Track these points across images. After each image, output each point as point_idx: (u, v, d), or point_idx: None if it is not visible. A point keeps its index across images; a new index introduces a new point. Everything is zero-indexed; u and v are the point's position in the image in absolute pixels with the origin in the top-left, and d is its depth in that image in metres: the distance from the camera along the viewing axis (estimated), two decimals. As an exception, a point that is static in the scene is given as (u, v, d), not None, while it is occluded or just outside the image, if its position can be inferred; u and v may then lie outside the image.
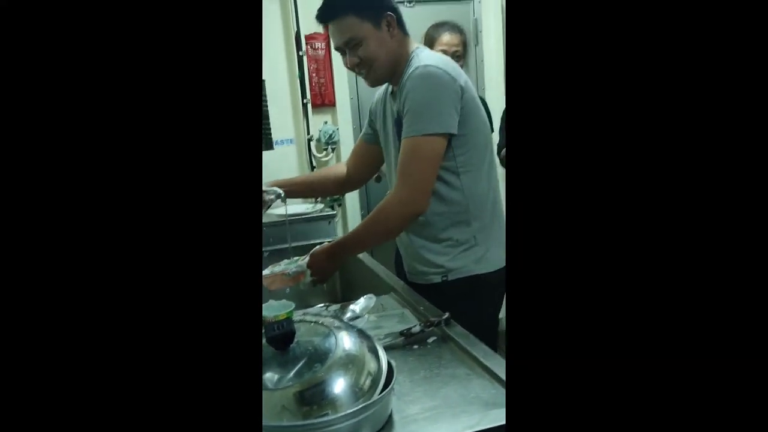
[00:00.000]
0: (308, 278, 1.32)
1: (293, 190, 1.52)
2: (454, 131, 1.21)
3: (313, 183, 1.66)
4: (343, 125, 2.64)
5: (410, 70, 1.22)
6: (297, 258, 1.37)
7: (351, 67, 1.30)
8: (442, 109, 1.19)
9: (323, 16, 1.25)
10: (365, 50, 1.24)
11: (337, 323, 0.89)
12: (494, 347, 1.40)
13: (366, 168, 1.57)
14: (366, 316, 1.04)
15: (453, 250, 1.31)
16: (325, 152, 2.63)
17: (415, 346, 1.05)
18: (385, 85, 1.43)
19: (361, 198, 2.74)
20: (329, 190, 1.70)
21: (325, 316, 0.95)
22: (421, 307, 1.23)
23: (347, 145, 2.66)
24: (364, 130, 1.55)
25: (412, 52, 1.29)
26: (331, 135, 2.59)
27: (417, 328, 1.08)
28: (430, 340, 1.07)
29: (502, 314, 1.28)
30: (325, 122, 2.62)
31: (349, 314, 1.02)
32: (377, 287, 1.52)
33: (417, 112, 1.19)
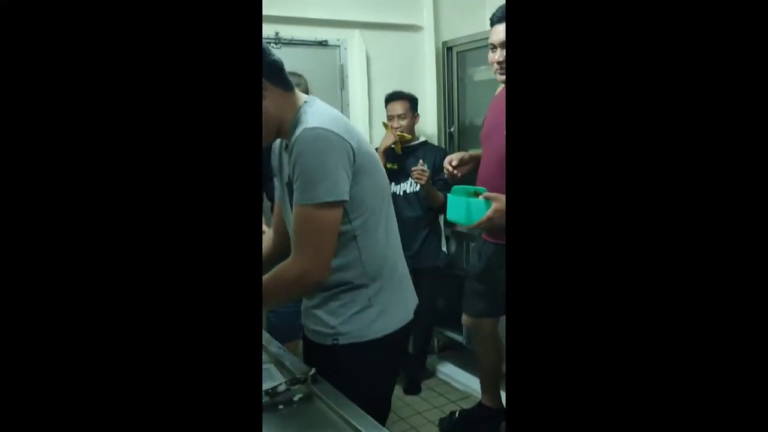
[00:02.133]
0: None
1: None
2: (347, 197, 1.16)
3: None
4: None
5: (298, 130, 1.14)
6: None
7: None
8: (335, 175, 1.12)
9: None
10: None
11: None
12: (385, 413, 1.35)
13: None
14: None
15: (346, 311, 1.24)
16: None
17: (281, 407, 1.01)
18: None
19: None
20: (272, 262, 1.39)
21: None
22: (286, 362, 1.19)
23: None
24: (275, 190, 1.43)
25: (300, 106, 1.22)
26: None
27: (282, 387, 1.04)
28: (296, 398, 1.04)
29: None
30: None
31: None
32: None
33: (307, 178, 1.12)
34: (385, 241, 1.28)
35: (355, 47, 2.87)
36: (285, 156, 1.26)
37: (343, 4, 2.81)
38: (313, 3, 2.72)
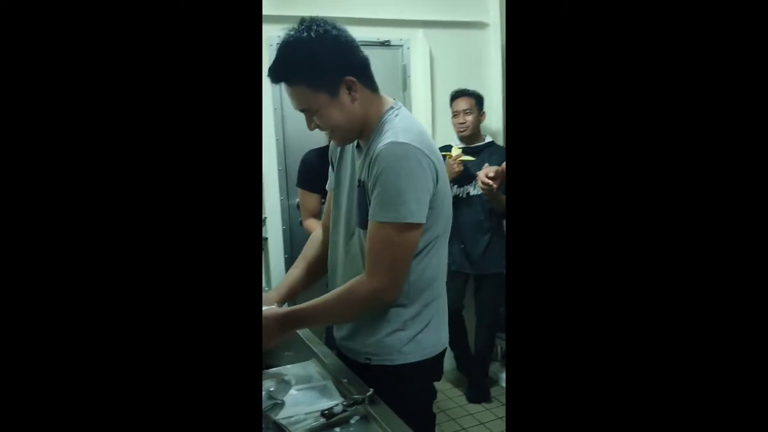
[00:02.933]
0: None
1: (296, 291, 1.36)
2: (424, 221, 1.11)
3: (312, 268, 1.40)
4: (268, 167, 2.55)
5: (383, 137, 1.09)
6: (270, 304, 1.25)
7: (312, 129, 1.18)
8: (419, 197, 1.08)
9: (272, 77, 1.11)
10: (321, 119, 1.13)
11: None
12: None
13: None
14: (286, 402, 0.95)
15: (378, 331, 1.19)
16: (248, 194, 2.53)
17: (337, 429, 0.98)
18: None
19: (285, 240, 2.64)
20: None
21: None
22: (345, 380, 1.16)
23: (272, 187, 2.57)
24: (329, 180, 1.37)
25: (386, 111, 1.16)
26: (254, 177, 2.49)
27: (339, 408, 1.01)
28: (353, 421, 1.00)
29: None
30: (249, 163, 2.53)
31: (268, 402, 0.94)
32: (298, 347, 1.43)
33: (390, 197, 1.07)
34: (437, 268, 1.23)
35: (418, 47, 2.81)
36: (357, 157, 1.21)
37: (406, 4, 2.76)
38: (376, 3, 2.69)
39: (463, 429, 2.50)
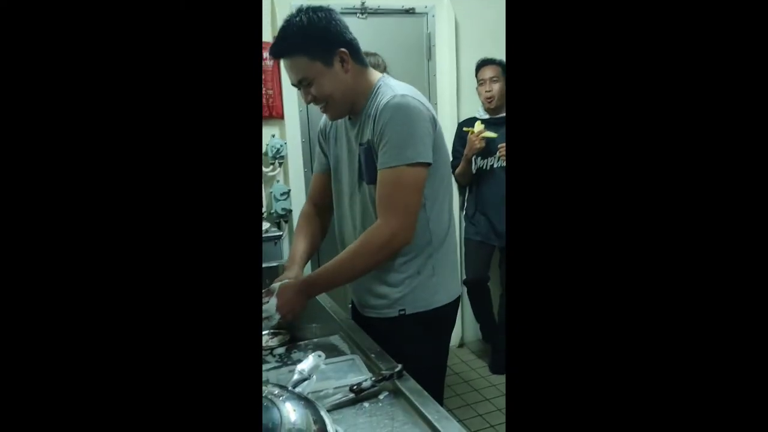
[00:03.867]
0: (275, 321, 1.24)
1: (305, 262, 1.46)
2: (431, 161, 1.21)
3: (312, 242, 1.50)
4: (292, 139, 2.54)
5: (382, 99, 1.20)
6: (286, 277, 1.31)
7: (308, 103, 1.27)
8: (422, 139, 1.18)
9: (273, 53, 1.24)
10: (318, 89, 1.22)
11: (281, 393, 0.82)
12: (442, 382, 1.39)
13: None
14: (314, 377, 0.96)
15: (412, 282, 1.28)
16: (272, 167, 2.53)
17: (366, 404, 0.99)
18: None
19: (310, 213, 2.65)
20: (323, 235, 1.55)
21: (268, 384, 0.87)
22: (373, 354, 1.17)
23: (295, 159, 2.57)
24: (318, 162, 1.49)
25: (377, 81, 1.26)
26: (278, 149, 2.49)
27: (368, 383, 1.01)
28: (381, 396, 1.01)
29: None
30: (273, 136, 2.52)
31: (296, 376, 0.95)
32: (323, 320, 1.45)
33: (398, 141, 1.17)
34: (449, 214, 1.32)
35: (443, 14, 2.75)
36: (348, 128, 1.32)
37: (431, -30, 2.69)
38: (400, -31, 2.62)
39: (486, 400, 2.53)
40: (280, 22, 2.42)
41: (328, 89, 1.21)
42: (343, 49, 1.20)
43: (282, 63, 1.24)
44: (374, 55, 2.15)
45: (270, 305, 1.23)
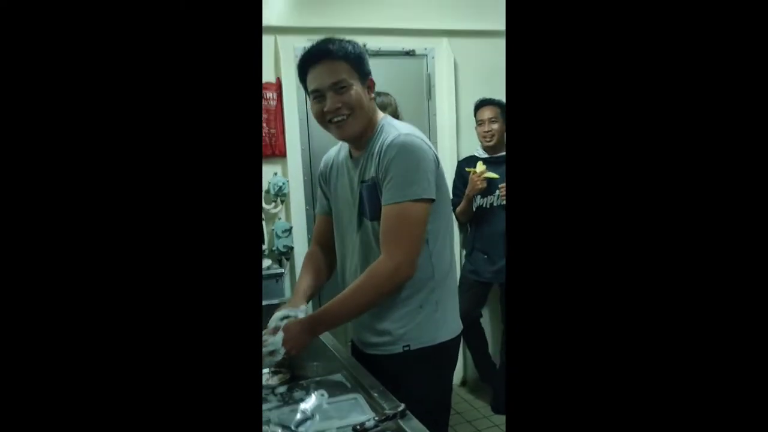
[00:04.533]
0: (280, 356, 1.23)
1: (310, 296, 1.47)
2: (434, 197, 1.24)
3: (318, 278, 1.51)
4: (294, 177, 2.57)
5: (387, 137, 1.24)
6: (264, 332, 1.28)
7: (328, 110, 1.25)
8: (427, 176, 1.22)
9: (318, 54, 1.24)
10: (350, 96, 1.24)
11: (285, 433, 0.81)
12: (447, 420, 1.37)
13: None
14: (317, 417, 0.96)
15: (415, 316, 1.29)
16: (274, 204, 2.55)
17: (369, 444, 0.98)
18: (336, 150, 1.45)
19: (311, 250, 2.66)
20: (329, 273, 1.55)
21: (270, 421, 0.86)
22: (375, 393, 1.16)
23: (297, 197, 2.59)
24: (320, 204, 1.52)
25: (380, 120, 1.31)
26: (281, 187, 2.51)
27: (371, 423, 1.01)
28: (385, 436, 1.00)
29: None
30: (275, 173, 2.55)
31: (299, 416, 0.94)
32: (325, 358, 1.44)
33: (403, 178, 1.20)
34: (450, 249, 1.34)
35: (443, 56, 2.82)
36: (350, 167, 1.35)
37: (430, 13, 2.76)
38: (400, 13, 2.70)
39: (489, 440, 2.48)
40: (283, 63, 2.46)
41: (358, 101, 1.25)
42: (372, 78, 1.29)
43: (313, 72, 1.25)
44: (386, 95, 2.19)
45: (276, 339, 1.22)
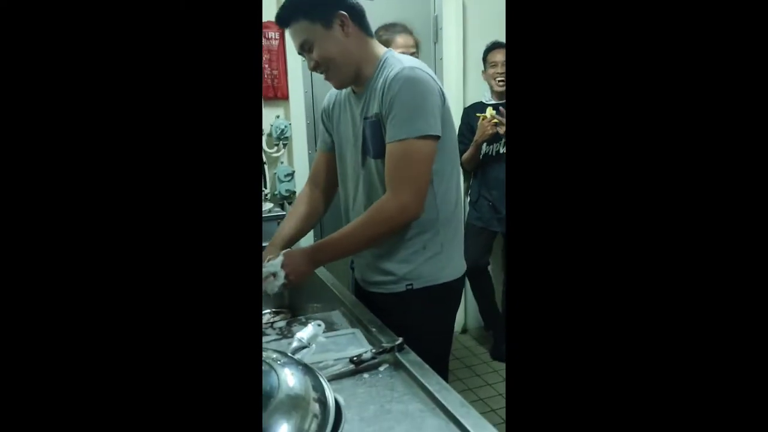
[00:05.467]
0: (281, 280, 1.21)
1: (290, 242, 1.43)
2: (440, 134, 1.20)
3: (300, 227, 1.48)
4: (296, 120, 2.53)
5: (390, 71, 1.18)
6: (269, 257, 1.27)
7: (312, 70, 1.27)
8: (433, 112, 1.17)
9: (279, 22, 1.24)
10: (318, 51, 1.22)
11: (280, 358, 0.81)
12: (447, 357, 1.38)
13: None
14: (313, 345, 0.96)
15: (419, 257, 1.28)
16: (276, 148, 2.52)
17: (366, 375, 0.99)
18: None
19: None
20: (316, 219, 1.53)
21: (268, 348, 0.86)
22: (374, 328, 1.16)
23: (300, 140, 2.56)
24: (321, 140, 1.48)
25: (383, 54, 1.26)
26: (283, 130, 2.47)
27: (368, 355, 1.01)
28: (381, 368, 1.01)
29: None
30: (277, 116, 2.51)
31: (295, 343, 0.94)
32: (326, 298, 1.44)
33: (407, 114, 1.15)
34: (456, 189, 1.31)
35: (451, -3, 2.72)
36: (353, 103, 1.31)
37: (439, -49, 2.65)
38: (408, -50, 2.59)
39: (488, 384, 2.52)
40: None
41: (329, 52, 1.21)
42: (342, 12, 1.19)
43: (288, 33, 1.24)
44: (399, 26, 2.10)
45: (276, 261, 1.21)
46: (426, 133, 1.16)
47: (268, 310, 1.67)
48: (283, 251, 1.26)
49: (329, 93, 1.43)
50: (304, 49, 1.23)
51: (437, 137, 1.19)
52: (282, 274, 1.20)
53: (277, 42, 2.44)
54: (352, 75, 1.26)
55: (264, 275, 1.20)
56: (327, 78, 1.27)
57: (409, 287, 1.28)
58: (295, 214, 1.48)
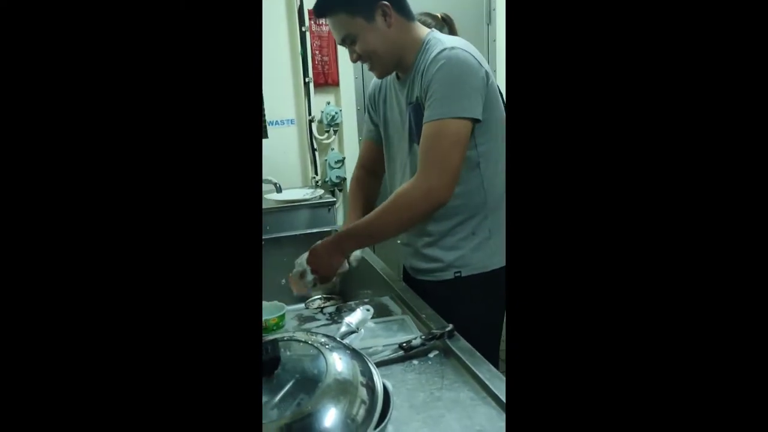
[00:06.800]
0: (309, 277, 1.22)
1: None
2: (480, 117, 1.14)
3: (367, 210, 1.46)
4: (347, 107, 2.52)
5: (432, 53, 1.15)
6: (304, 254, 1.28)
7: (354, 61, 1.25)
8: (470, 93, 1.12)
9: (316, 12, 1.21)
10: (361, 45, 1.19)
11: (328, 343, 0.80)
12: (497, 345, 1.36)
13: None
14: (362, 330, 0.95)
15: (467, 244, 1.25)
16: (327, 134, 2.52)
17: (415, 361, 0.97)
18: None
19: (364, 182, 2.64)
20: (376, 199, 1.53)
21: (316, 334, 0.86)
22: (423, 315, 1.14)
23: (350, 127, 2.55)
24: (366, 129, 1.48)
25: (426, 36, 1.22)
26: (333, 116, 2.47)
27: (417, 341, 0.99)
28: (431, 355, 0.99)
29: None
30: (328, 103, 2.51)
31: (344, 328, 0.94)
32: (376, 285, 1.43)
33: (444, 94, 1.11)
34: (502, 173, 1.25)
35: (504, -24, 2.64)
36: (397, 88, 1.27)
37: (492, -71, 2.58)
38: (459, -71, 2.53)
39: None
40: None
41: (372, 45, 1.18)
42: (384, 2, 1.15)
43: (328, 23, 1.22)
44: (432, 15, 2.07)
45: (301, 260, 1.21)
46: (460, 115, 1.11)
47: (319, 296, 1.68)
48: (311, 248, 1.25)
49: (373, 81, 1.41)
50: (345, 42, 1.21)
51: (476, 120, 1.14)
52: (309, 270, 1.20)
53: (327, 28, 2.43)
54: (395, 64, 1.23)
55: (296, 275, 1.20)
56: (370, 69, 1.25)
57: (458, 275, 1.26)
58: (356, 199, 1.48)
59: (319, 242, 1.27)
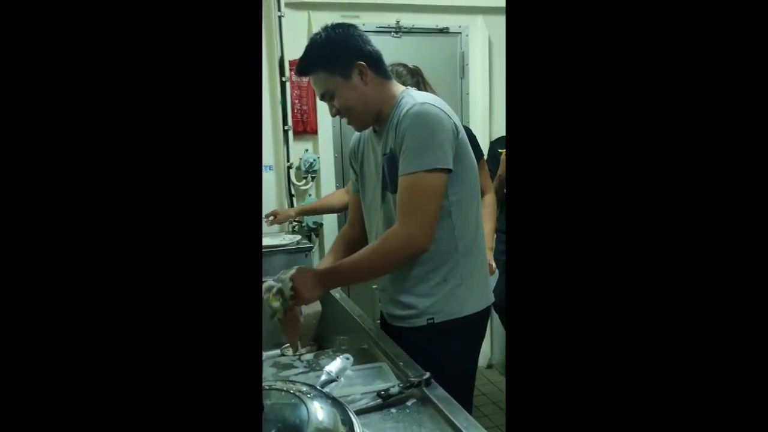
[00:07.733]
0: (288, 292, 1.20)
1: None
2: (451, 167, 1.21)
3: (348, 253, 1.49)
4: (325, 154, 2.58)
5: (404, 108, 1.22)
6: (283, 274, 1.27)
7: (334, 116, 1.32)
8: (443, 146, 1.19)
9: (298, 71, 1.30)
10: (339, 101, 1.27)
11: (309, 392, 0.82)
12: (471, 392, 1.37)
13: None
14: (341, 379, 0.96)
15: (440, 290, 1.28)
16: (304, 180, 2.56)
17: (393, 410, 0.98)
18: None
19: (339, 225, 2.67)
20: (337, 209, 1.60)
21: (296, 382, 0.87)
22: (401, 362, 1.16)
23: (328, 174, 2.60)
24: (352, 183, 1.52)
25: (400, 93, 1.29)
26: (311, 163, 2.52)
27: (395, 389, 1.00)
28: (409, 403, 1.00)
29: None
30: (306, 150, 2.56)
31: (324, 377, 0.95)
32: (353, 331, 1.45)
33: (417, 148, 1.18)
34: (475, 221, 1.32)
35: (477, 34, 2.77)
36: (374, 141, 1.35)
37: (466, -10, 2.72)
38: (435, -11, 2.66)
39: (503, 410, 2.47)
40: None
41: (349, 101, 1.26)
42: (361, 62, 1.23)
43: (310, 80, 1.30)
44: (403, 66, 2.13)
45: (285, 277, 1.20)
46: (434, 166, 1.18)
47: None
48: (297, 267, 1.26)
49: (354, 134, 1.47)
50: (325, 98, 1.28)
51: (447, 170, 1.20)
52: (289, 285, 1.19)
53: (307, 78, 2.50)
54: (372, 119, 1.30)
55: (274, 288, 1.20)
56: (348, 123, 1.32)
57: (431, 321, 1.28)
58: (333, 250, 1.52)
59: (306, 267, 1.28)
